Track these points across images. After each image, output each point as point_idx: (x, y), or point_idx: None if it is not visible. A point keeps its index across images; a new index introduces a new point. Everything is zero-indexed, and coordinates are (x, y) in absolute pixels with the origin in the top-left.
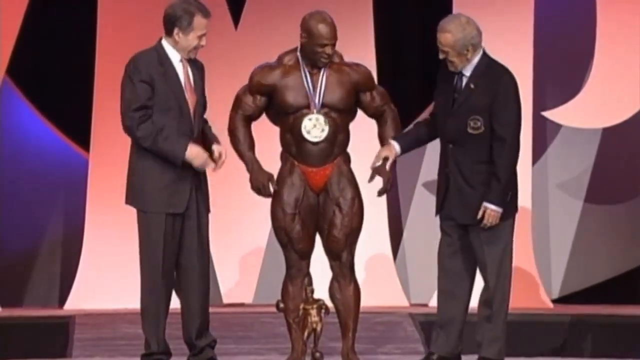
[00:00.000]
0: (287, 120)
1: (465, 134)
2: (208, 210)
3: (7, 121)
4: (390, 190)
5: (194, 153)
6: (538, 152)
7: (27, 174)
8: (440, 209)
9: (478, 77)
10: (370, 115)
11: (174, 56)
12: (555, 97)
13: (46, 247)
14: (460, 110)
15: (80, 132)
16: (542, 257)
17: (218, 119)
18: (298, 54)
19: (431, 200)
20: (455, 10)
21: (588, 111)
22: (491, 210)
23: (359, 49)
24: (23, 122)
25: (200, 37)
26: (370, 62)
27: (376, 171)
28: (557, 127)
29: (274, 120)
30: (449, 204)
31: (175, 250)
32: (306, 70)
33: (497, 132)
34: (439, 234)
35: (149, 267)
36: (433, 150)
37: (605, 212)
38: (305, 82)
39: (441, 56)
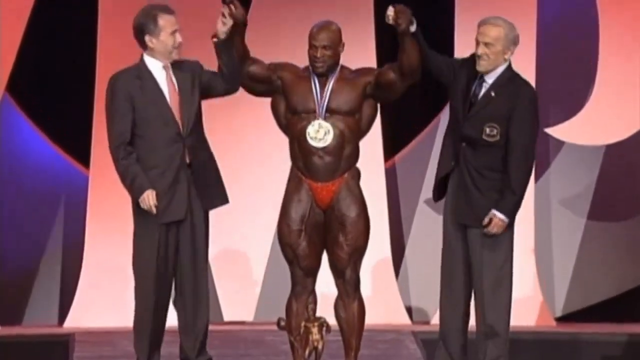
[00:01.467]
0: (295, 129)
1: (479, 140)
2: (206, 221)
3: (6, 137)
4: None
5: (144, 197)
6: (541, 168)
7: (27, 190)
8: (438, 198)
9: (500, 87)
10: (397, 81)
11: (155, 66)
12: (558, 113)
13: (46, 264)
14: (477, 117)
15: (80, 149)
16: (545, 275)
17: (218, 121)
18: (310, 65)
19: (433, 217)
20: (457, 16)
21: (591, 128)
22: (499, 220)
23: (360, 50)
24: (23, 138)
25: (172, 34)
26: (371, 64)
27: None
28: (560, 143)
29: (284, 125)
30: (453, 203)
31: (171, 261)
32: (315, 77)
33: (515, 143)
34: (440, 253)
35: (139, 280)
36: (433, 169)
37: (609, 229)
38: (313, 88)
39: (481, 51)
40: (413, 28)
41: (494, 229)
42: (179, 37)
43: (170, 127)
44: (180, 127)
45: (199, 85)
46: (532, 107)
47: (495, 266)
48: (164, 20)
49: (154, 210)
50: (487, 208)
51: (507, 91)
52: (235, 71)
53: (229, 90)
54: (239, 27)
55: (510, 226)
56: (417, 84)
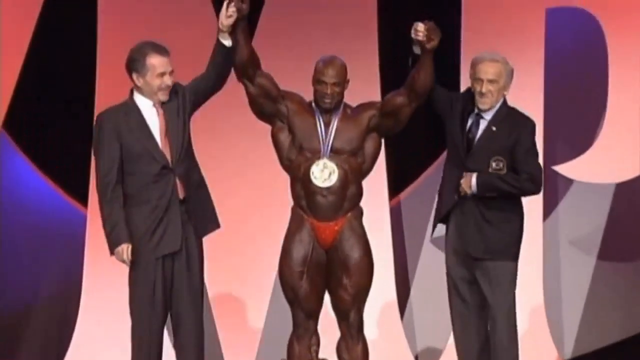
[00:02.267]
0: (299, 169)
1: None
2: (200, 249)
3: (3, 175)
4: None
5: (119, 250)
6: (549, 207)
7: (23, 229)
8: (432, 227)
9: (500, 121)
10: (405, 105)
11: (144, 104)
12: (567, 151)
13: (42, 306)
14: (481, 151)
15: (78, 187)
16: (554, 316)
17: (218, 161)
18: (313, 101)
19: (440, 257)
20: (463, 49)
21: (600, 165)
22: (471, 178)
23: (364, 73)
24: (20, 176)
25: (160, 76)
26: (373, 82)
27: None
28: (569, 181)
29: (287, 165)
30: (458, 236)
31: (168, 294)
32: (320, 115)
33: (527, 174)
34: (446, 294)
35: (136, 320)
36: None
37: (620, 269)
38: (318, 125)
39: (485, 88)
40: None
41: (462, 181)
42: (167, 80)
43: (159, 162)
44: (169, 160)
45: (186, 106)
46: (534, 138)
47: (505, 306)
48: (152, 61)
49: (128, 263)
50: (499, 240)
51: (508, 125)
52: (229, 68)
53: (217, 88)
54: (241, 21)
55: (514, 260)
56: (421, 121)
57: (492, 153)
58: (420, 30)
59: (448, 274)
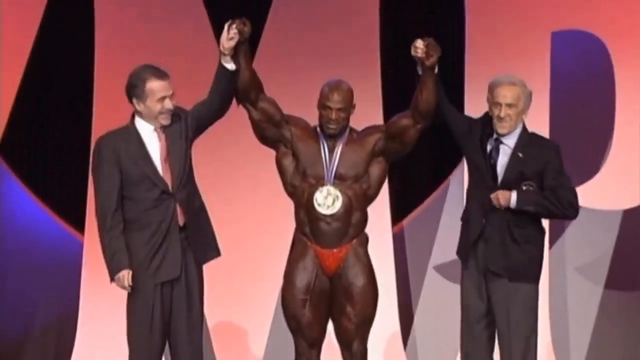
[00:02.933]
0: (302, 195)
1: None
2: (200, 276)
3: None
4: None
5: (120, 276)
6: (555, 234)
7: (19, 257)
8: (466, 259)
9: (524, 147)
10: (410, 126)
11: (145, 128)
12: (573, 176)
13: (38, 334)
14: (510, 179)
15: (74, 213)
16: (560, 346)
17: (219, 183)
18: (318, 126)
19: (443, 285)
20: (467, 73)
21: (608, 191)
22: (510, 193)
23: (367, 107)
24: (16, 203)
25: (160, 101)
26: (376, 99)
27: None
28: None
29: (291, 192)
30: (482, 253)
31: (166, 323)
32: (324, 140)
33: (566, 198)
34: (450, 322)
35: (133, 350)
36: (443, 234)
37: (627, 298)
38: (322, 151)
39: (504, 113)
40: (435, 70)
41: (497, 195)
42: (168, 104)
43: (159, 187)
44: (170, 185)
45: (188, 131)
46: (561, 159)
47: (523, 325)
48: (152, 86)
49: (129, 289)
50: (522, 260)
51: (533, 150)
52: (233, 93)
53: (221, 114)
54: (242, 44)
55: (535, 283)
56: (424, 148)
57: (522, 179)
58: (419, 46)
59: (463, 307)
